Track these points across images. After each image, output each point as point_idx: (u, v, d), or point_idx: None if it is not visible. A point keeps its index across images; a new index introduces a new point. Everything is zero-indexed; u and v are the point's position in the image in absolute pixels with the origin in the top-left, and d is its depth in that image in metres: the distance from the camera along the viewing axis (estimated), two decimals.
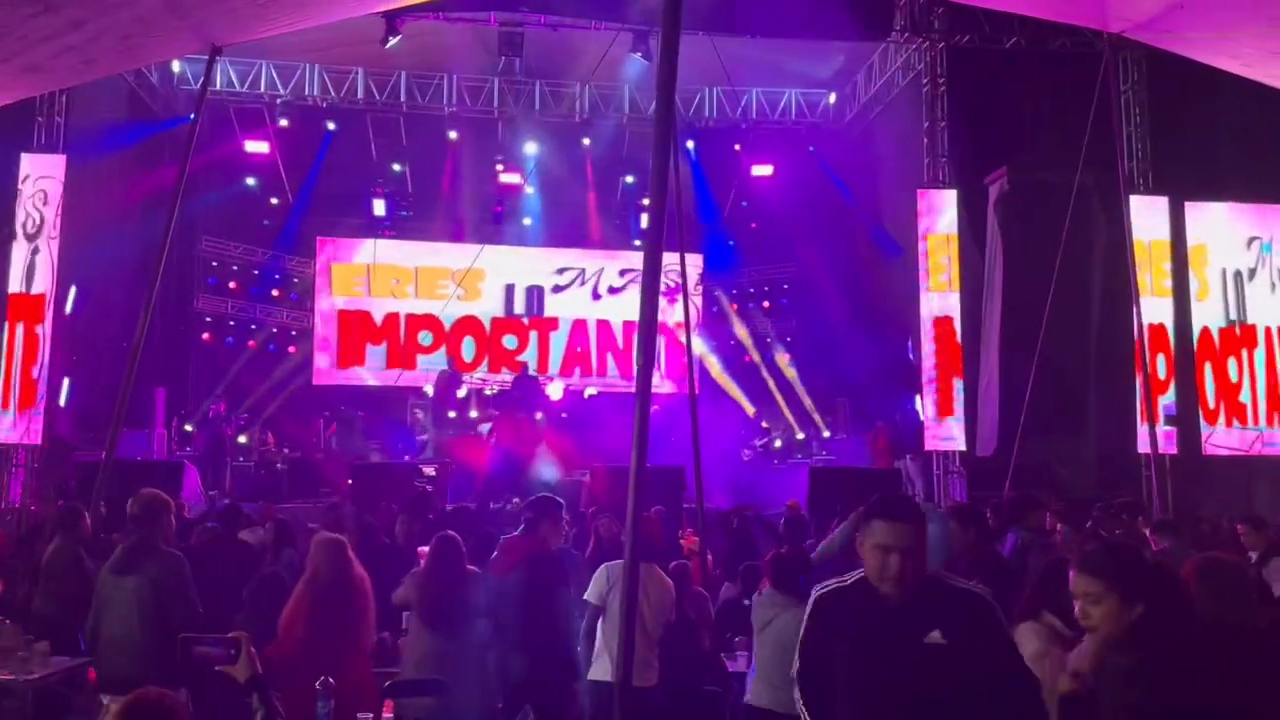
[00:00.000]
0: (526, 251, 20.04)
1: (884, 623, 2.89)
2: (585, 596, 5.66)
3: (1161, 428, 11.66)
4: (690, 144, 18.22)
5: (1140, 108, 13.92)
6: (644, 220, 18.92)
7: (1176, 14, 7.95)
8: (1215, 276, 13.50)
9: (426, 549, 6.19)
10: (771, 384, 19.17)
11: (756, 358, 19.75)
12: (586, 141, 18.49)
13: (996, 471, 11.56)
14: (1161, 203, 13.46)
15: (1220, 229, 13.59)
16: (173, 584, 5.14)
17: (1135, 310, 10.56)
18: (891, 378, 15.57)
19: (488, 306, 19.71)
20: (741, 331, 20.10)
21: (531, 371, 17.79)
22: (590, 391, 18.81)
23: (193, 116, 10.14)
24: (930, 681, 2.81)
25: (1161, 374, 12.74)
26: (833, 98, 18.70)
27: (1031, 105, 14.12)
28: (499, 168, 18.82)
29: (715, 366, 19.58)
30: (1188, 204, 13.46)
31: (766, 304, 20.46)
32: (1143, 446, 12.49)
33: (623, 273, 19.77)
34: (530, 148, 18.59)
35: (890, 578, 2.87)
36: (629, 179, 19.58)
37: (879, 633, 2.89)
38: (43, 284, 12.42)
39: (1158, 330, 12.90)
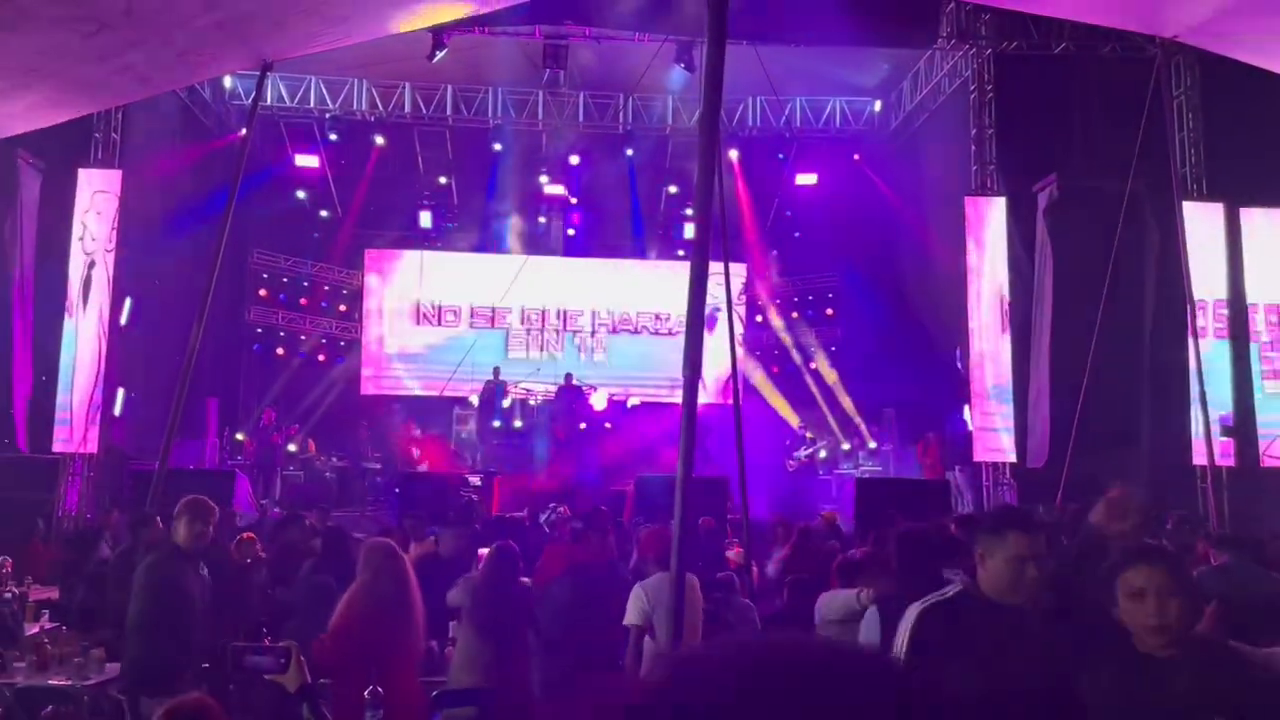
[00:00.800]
0: (570, 262, 20.17)
1: (1008, 631, 2.89)
2: (626, 621, 5.41)
3: (1218, 439, 11.41)
4: (734, 154, 18.21)
5: (1193, 112, 13.68)
6: (688, 230, 18.94)
7: (1230, 18, 7.80)
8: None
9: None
10: (816, 394, 19.08)
11: (800, 366, 19.67)
12: (630, 152, 18.57)
13: (1048, 483, 11.38)
14: (1216, 209, 13.21)
15: (1277, 234, 13.30)
16: (138, 583, 5.15)
17: (1189, 319, 10.36)
18: (940, 387, 15.41)
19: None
20: (785, 341, 20.02)
21: (575, 381, 17.85)
22: (634, 401, 18.83)
23: (244, 132, 10.32)
24: (1042, 677, 2.80)
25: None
26: (878, 105, 18.59)
27: (1081, 111, 13.93)
28: (543, 179, 18.95)
29: (758, 376, 19.51)
30: (1243, 210, 13.19)
31: (811, 313, 20.38)
32: (1198, 459, 12.24)
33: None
34: (574, 159, 18.70)
35: (1027, 587, 2.92)
36: (672, 189, 19.62)
37: (1005, 641, 2.86)
38: (100, 297, 12.70)
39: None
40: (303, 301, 19.81)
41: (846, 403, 18.44)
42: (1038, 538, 2.98)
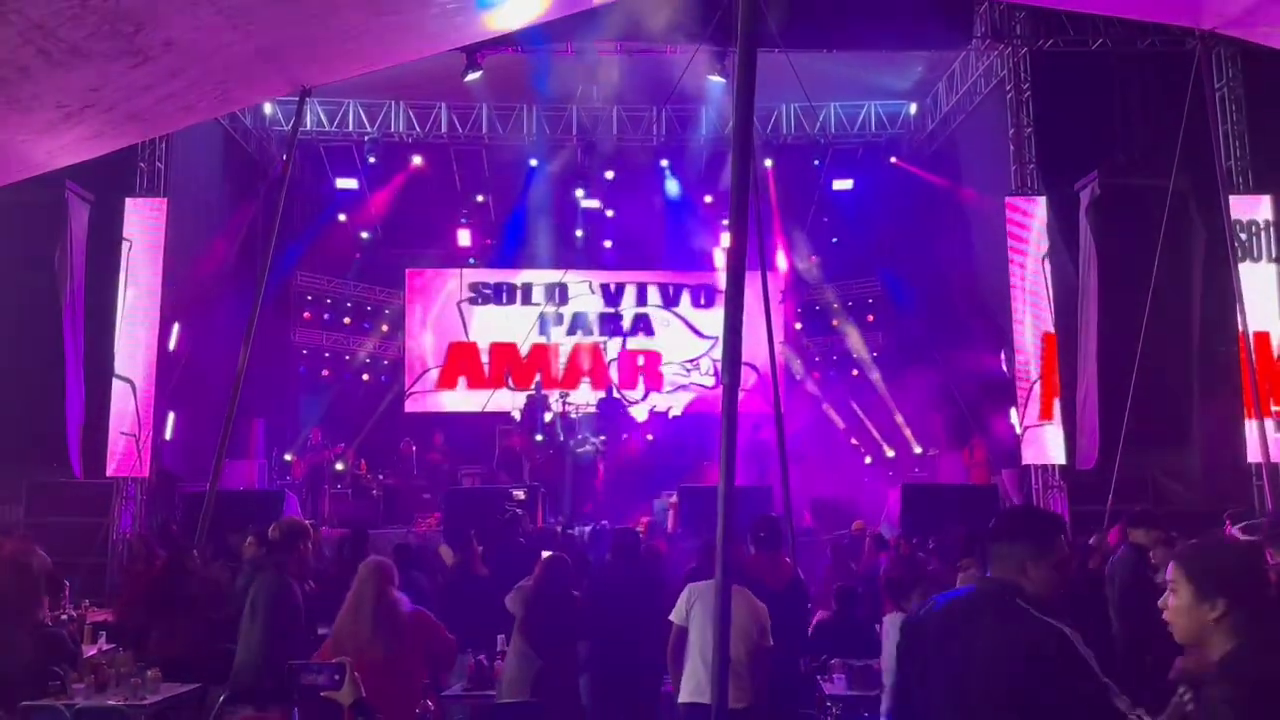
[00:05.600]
0: (608, 274, 20.24)
1: None
2: (670, 617, 5.60)
3: (1273, 435, 11.18)
4: (768, 162, 18.17)
5: (1236, 104, 13.45)
6: (725, 239, 18.92)
7: (1270, 7, 7.67)
8: None
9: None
10: (856, 401, 18.95)
11: (842, 372, 19.55)
12: (665, 163, 18.59)
13: (1098, 484, 11.21)
14: (1264, 201, 12.97)
15: None
16: (267, 607, 5.27)
17: (1239, 313, 10.17)
18: (986, 390, 15.24)
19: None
20: (820, 347, 19.94)
21: (616, 393, 17.90)
22: (675, 412, 18.83)
23: (285, 157, 10.49)
24: None
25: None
26: (913, 108, 18.48)
27: (1121, 107, 13.73)
28: (579, 193, 19.03)
29: (799, 381, 19.43)
30: None
31: (851, 318, 20.22)
32: (1252, 455, 12.00)
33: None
34: (609, 172, 18.76)
35: None
36: (708, 199, 19.61)
37: None
38: (149, 323, 12.95)
39: (1263, 335, 12.38)
40: (346, 322, 20.06)
41: (891, 408, 18.28)
42: None
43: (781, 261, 19.19)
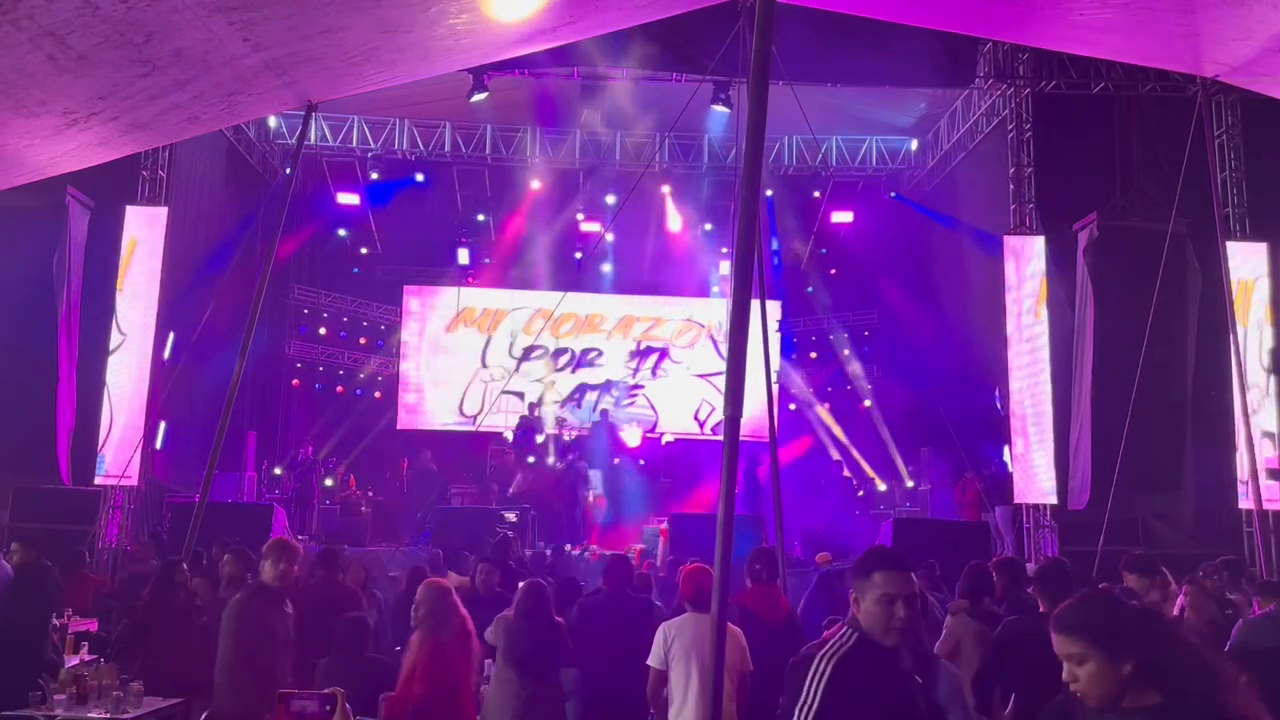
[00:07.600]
0: (606, 298, 20.25)
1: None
2: (648, 661, 5.37)
3: (1265, 483, 11.18)
4: (769, 191, 18.25)
5: (1235, 152, 13.56)
6: (723, 267, 18.97)
7: (1271, 57, 7.75)
8: None
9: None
10: (843, 434, 18.96)
11: (837, 404, 19.55)
12: (666, 189, 18.65)
13: (1089, 525, 11.20)
14: (1260, 249, 13.04)
15: None
16: (225, 621, 5.35)
17: (1235, 359, 10.19)
18: (979, 427, 15.24)
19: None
20: (809, 382, 19.97)
21: (610, 418, 17.86)
22: (668, 438, 18.79)
23: (289, 171, 10.51)
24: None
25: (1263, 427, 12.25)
26: (914, 144, 18.59)
27: (1121, 150, 13.82)
28: (580, 216, 19.07)
29: (794, 413, 19.41)
30: None
31: (847, 351, 20.27)
32: (1244, 502, 12.00)
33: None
34: (610, 197, 18.81)
35: (896, 627, 2.97)
36: (708, 226, 19.67)
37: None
38: (144, 331, 12.91)
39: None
40: (342, 336, 20.04)
41: (887, 441, 18.29)
42: (906, 576, 3.01)
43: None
